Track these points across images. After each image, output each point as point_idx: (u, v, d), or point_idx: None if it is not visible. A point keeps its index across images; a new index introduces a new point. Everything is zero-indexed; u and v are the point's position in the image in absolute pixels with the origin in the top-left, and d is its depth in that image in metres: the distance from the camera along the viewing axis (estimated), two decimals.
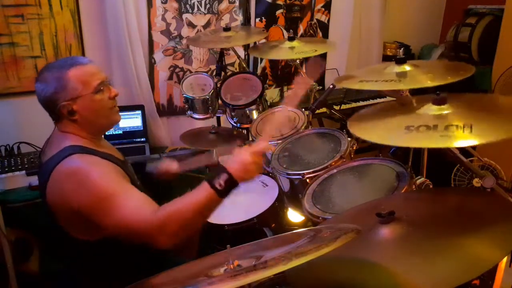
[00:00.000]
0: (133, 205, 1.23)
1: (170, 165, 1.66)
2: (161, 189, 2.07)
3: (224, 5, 2.79)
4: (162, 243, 1.18)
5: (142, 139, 2.57)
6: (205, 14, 2.75)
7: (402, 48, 1.43)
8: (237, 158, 1.24)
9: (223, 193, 1.20)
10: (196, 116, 2.25)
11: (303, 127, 1.79)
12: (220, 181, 1.19)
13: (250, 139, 1.89)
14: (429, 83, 1.20)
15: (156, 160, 1.74)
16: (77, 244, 1.37)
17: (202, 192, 1.20)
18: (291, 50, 2.04)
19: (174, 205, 1.21)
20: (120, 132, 2.53)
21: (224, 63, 2.46)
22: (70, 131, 1.39)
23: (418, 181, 1.31)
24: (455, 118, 1.02)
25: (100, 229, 1.27)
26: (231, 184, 1.20)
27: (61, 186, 1.29)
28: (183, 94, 2.23)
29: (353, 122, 1.18)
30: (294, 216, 1.66)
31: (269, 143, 1.34)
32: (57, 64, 1.39)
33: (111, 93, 1.42)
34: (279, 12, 3.03)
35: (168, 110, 2.81)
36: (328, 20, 3.25)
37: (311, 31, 3.21)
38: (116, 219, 1.22)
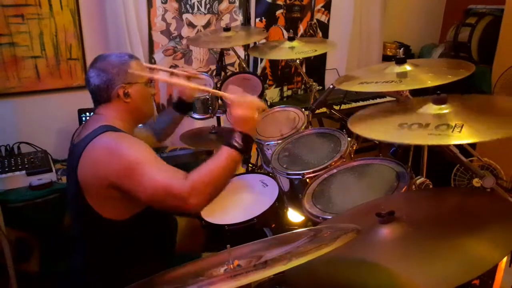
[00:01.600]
0: (165, 171, 1.33)
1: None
2: None
3: (224, 5, 2.79)
4: (193, 205, 1.29)
5: None
6: (205, 14, 2.75)
7: (402, 48, 1.43)
8: (232, 119, 1.40)
9: (243, 149, 1.35)
10: (196, 116, 2.25)
11: (303, 127, 1.79)
12: (237, 139, 1.35)
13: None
14: (429, 83, 1.21)
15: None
16: (100, 223, 1.42)
17: (224, 154, 1.34)
18: (291, 50, 2.04)
19: (202, 169, 1.33)
20: None
21: (224, 63, 2.46)
22: (110, 114, 1.51)
23: (418, 181, 1.32)
24: (452, 117, 1.03)
25: (132, 201, 1.35)
26: (247, 139, 1.36)
27: (94, 161, 1.38)
28: None
29: (353, 120, 1.21)
30: (294, 216, 1.66)
31: (234, 93, 1.46)
32: (115, 53, 1.56)
33: (153, 90, 1.64)
34: (279, 12, 3.03)
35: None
36: (328, 20, 3.25)
37: (311, 31, 3.21)
38: (150, 184, 1.30)
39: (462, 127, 0.97)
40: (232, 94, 1.45)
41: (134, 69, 1.53)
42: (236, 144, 1.34)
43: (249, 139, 1.37)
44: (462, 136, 0.95)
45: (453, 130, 0.97)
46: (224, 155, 1.34)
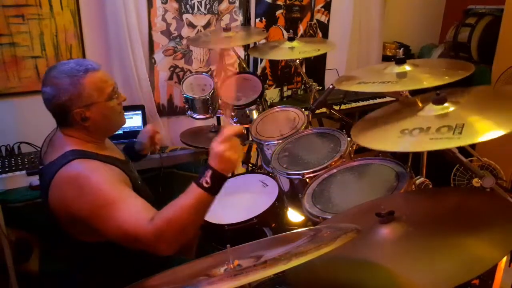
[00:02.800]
0: (131, 213, 1.22)
1: (153, 128, 1.79)
2: (161, 188, 2.08)
3: (224, 5, 2.79)
4: (161, 250, 1.19)
5: None
6: (205, 14, 2.75)
7: (401, 48, 1.43)
8: (212, 152, 1.23)
9: (212, 189, 1.20)
10: (196, 116, 2.26)
11: (303, 127, 1.79)
12: (206, 178, 1.19)
13: (250, 138, 1.89)
14: (425, 84, 1.21)
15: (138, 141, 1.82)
16: (78, 245, 1.38)
17: (191, 193, 1.20)
18: (291, 50, 2.04)
19: (168, 210, 1.20)
20: (121, 132, 2.50)
21: (224, 63, 2.46)
22: (75, 136, 1.39)
23: (418, 181, 1.32)
24: (454, 116, 1.03)
25: (100, 235, 1.27)
26: (218, 178, 1.20)
27: (62, 192, 1.30)
28: (183, 94, 2.23)
29: (355, 131, 1.19)
30: (294, 216, 1.66)
31: (233, 124, 1.32)
32: (68, 69, 1.35)
33: (120, 99, 1.45)
34: (279, 12, 3.03)
35: (168, 110, 2.82)
36: (328, 20, 3.25)
37: (311, 31, 3.21)
38: (113, 227, 1.22)
39: (462, 127, 0.96)
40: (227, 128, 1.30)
41: (91, 88, 1.34)
42: (204, 183, 1.19)
43: (221, 179, 1.21)
44: (462, 138, 0.94)
45: (454, 132, 0.96)
46: (192, 194, 1.20)
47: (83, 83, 1.34)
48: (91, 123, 1.38)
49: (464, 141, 0.94)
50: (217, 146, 1.23)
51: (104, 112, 1.39)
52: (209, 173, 1.20)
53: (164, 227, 1.17)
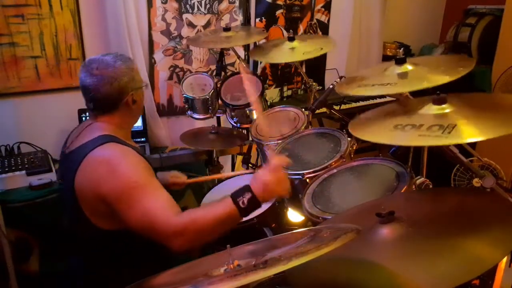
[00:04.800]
0: (159, 203, 1.26)
1: (178, 178, 1.80)
2: None
3: (224, 5, 2.79)
4: (176, 246, 1.22)
5: (142, 139, 2.57)
6: (205, 14, 2.75)
7: (402, 48, 1.44)
8: (258, 179, 1.26)
9: (245, 211, 1.23)
10: (196, 116, 2.25)
11: (303, 127, 1.79)
12: (244, 199, 1.22)
13: (250, 138, 1.88)
14: (425, 84, 1.21)
15: (166, 171, 1.83)
16: (95, 232, 1.40)
17: (224, 207, 1.23)
18: (291, 50, 2.03)
19: (197, 212, 1.26)
20: None
21: (224, 63, 2.46)
22: (111, 122, 1.46)
23: (418, 181, 1.31)
24: (449, 117, 1.03)
25: (121, 220, 1.30)
26: (254, 204, 1.23)
27: (92, 172, 1.34)
28: (183, 94, 2.23)
29: (353, 123, 1.21)
30: (294, 216, 1.66)
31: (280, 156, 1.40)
32: (118, 57, 1.46)
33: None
34: (279, 12, 3.03)
35: (168, 110, 2.81)
36: (328, 20, 3.25)
37: (311, 31, 3.21)
38: (139, 212, 1.25)
39: (453, 128, 0.97)
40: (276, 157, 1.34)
41: (137, 74, 1.49)
42: (241, 203, 1.22)
43: (257, 205, 1.24)
44: (449, 137, 0.95)
45: (443, 132, 0.97)
46: (225, 207, 1.23)
47: (135, 69, 1.48)
48: (136, 106, 1.49)
49: (450, 141, 0.96)
50: (265, 175, 1.26)
51: (142, 98, 1.54)
52: (248, 196, 1.23)
53: (188, 224, 1.21)
